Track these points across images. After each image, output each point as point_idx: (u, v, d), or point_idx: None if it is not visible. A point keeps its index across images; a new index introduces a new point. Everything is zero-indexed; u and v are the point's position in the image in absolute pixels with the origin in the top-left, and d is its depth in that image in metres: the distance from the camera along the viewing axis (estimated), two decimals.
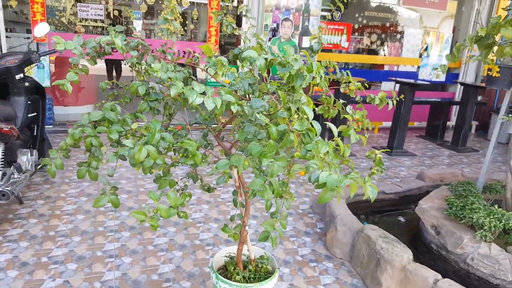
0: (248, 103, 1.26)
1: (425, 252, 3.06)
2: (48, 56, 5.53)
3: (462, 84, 6.93)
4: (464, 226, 2.82)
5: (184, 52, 6.13)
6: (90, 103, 7.40)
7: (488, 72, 2.89)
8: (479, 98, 7.48)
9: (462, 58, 7.90)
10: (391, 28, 8.95)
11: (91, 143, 1.66)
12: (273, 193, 1.50)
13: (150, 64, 1.73)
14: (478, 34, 2.61)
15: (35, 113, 3.98)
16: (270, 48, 5.37)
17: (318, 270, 2.91)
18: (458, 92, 8.20)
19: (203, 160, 1.57)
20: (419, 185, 4.13)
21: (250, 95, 1.46)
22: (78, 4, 6.43)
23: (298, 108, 1.28)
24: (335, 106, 1.89)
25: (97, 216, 3.50)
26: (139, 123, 1.74)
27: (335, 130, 1.40)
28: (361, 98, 1.99)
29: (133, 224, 3.38)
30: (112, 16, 6.81)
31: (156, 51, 1.71)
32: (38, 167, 4.04)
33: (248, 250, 2.25)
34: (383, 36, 8.90)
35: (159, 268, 2.80)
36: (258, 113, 1.24)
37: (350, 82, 1.86)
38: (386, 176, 5.02)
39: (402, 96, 2.05)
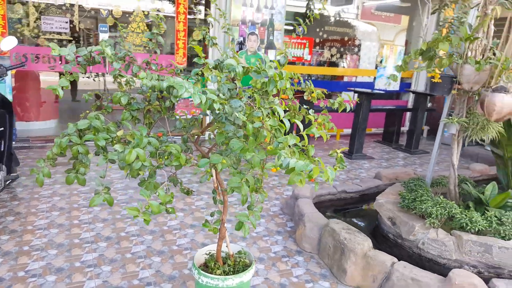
0: (228, 103, 1.49)
1: (384, 241, 3.39)
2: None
3: (413, 92, 7.54)
4: (415, 216, 3.18)
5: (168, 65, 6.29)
6: (52, 118, 7.33)
7: (431, 80, 3.30)
8: (429, 105, 8.15)
9: (412, 69, 8.57)
10: (350, 42, 9.53)
11: (78, 151, 1.83)
12: (248, 188, 1.74)
13: (135, 74, 1.92)
14: (421, 48, 3.02)
15: (2, 128, 3.95)
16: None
17: (290, 264, 3.15)
18: (410, 100, 8.85)
19: (187, 161, 1.78)
20: (376, 184, 4.51)
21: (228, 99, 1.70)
22: (42, 17, 6.42)
23: (271, 109, 1.53)
24: (300, 112, 2.17)
25: (72, 229, 3.56)
26: (124, 130, 1.93)
27: (300, 126, 1.66)
28: (325, 105, 2.28)
29: (109, 235, 3.47)
30: (77, 29, 6.85)
31: (142, 62, 1.91)
32: (6, 183, 4.03)
33: (226, 246, 2.45)
34: (342, 49, 9.46)
35: (139, 274, 2.93)
36: (238, 112, 1.48)
37: (312, 91, 2.15)
38: (347, 177, 5.39)
39: (357, 99, 2.36)
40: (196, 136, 2.19)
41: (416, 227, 3.04)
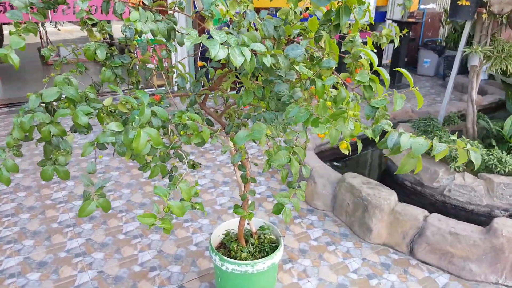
0: (283, 52, 1.02)
1: (399, 189, 3.14)
2: None
3: (394, 21, 7.11)
4: (435, 160, 2.92)
5: None
6: None
7: (457, 2, 2.87)
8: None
9: None
10: None
11: (50, 132, 1.30)
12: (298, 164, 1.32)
13: (120, 14, 1.36)
14: None
15: None
16: None
17: (304, 226, 2.86)
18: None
19: (212, 136, 1.32)
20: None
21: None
22: None
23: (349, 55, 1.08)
24: None
25: (53, 237, 3.05)
26: (114, 97, 1.41)
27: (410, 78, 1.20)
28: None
29: (94, 214, 3.00)
30: None
31: None
32: None
33: (248, 223, 2.08)
34: None
35: (139, 258, 2.53)
36: (298, 64, 1.02)
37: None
38: None
39: (405, 30, 1.92)
40: (203, 96, 1.70)
41: (440, 173, 2.79)
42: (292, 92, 1.14)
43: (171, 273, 2.40)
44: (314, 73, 1.07)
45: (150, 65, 1.65)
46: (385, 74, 1.05)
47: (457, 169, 2.75)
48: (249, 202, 1.85)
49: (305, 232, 2.79)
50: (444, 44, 8.07)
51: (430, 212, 2.48)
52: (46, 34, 8.80)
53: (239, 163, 1.65)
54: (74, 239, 2.71)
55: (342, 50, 1.31)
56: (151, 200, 3.20)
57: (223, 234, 2.14)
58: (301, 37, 1.31)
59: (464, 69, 6.81)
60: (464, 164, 2.82)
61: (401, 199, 2.60)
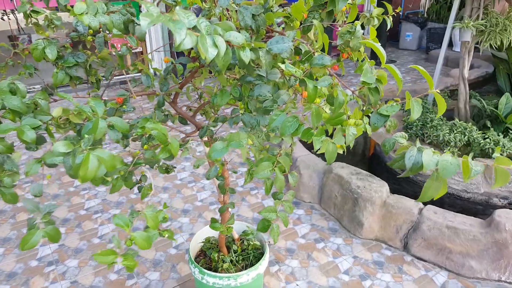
0: (265, 46, 0.78)
1: (389, 177, 2.99)
2: None
3: None
4: (427, 145, 2.76)
5: None
6: None
7: None
8: None
9: None
10: None
11: None
12: (282, 175, 1.11)
13: (65, 6, 1.10)
14: None
15: None
16: None
17: (291, 221, 2.68)
18: (366, 4, 8.15)
19: (183, 147, 1.08)
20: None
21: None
22: None
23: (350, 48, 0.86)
24: None
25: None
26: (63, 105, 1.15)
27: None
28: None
29: (66, 216, 2.75)
30: None
31: None
32: None
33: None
34: None
35: (115, 265, 2.31)
36: (285, 60, 0.79)
37: None
38: None
39: (399, 9, 1.69)
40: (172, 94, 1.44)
41: None
42: (276, 96, 0.91)
43: (150, 281, 2.20)
44: (303, 72, 0.84)
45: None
46: (382, 52, 0.83)
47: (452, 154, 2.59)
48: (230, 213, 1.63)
49: (292, 228, 2.61)
50: (426, 16, 7.87)
51: (424, 203, 2.32)
52: (17, 23, 8.07)
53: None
54: (46, 245, 2.47)
55: (334, 43, 1.09)
56: (127, 199, 2.96)
57: (202, 242, 1.93)
58: (283, 26, 1.07)
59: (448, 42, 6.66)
60: (458, 148, 2.67)
61: (392, 187, 2.44)
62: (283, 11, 1.03)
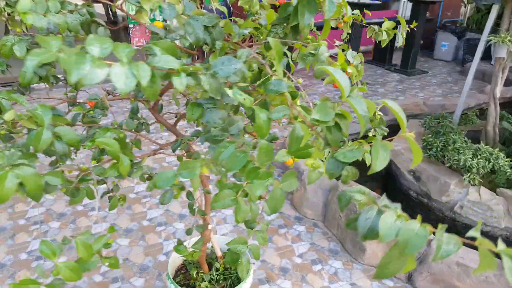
0: (209, 69, 0.64)
1: (402, 199, 2.78)
2: None
3: (410, 0, 6.50)
4: (447, 169, 2.53)
5: None
6: None
7: None
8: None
9: None
10: None
11: None
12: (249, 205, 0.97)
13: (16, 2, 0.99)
14: None
15: None
16: None
17: (290, 238, 2.52)
18: (401, 9, 7.81)
19: (135, 168, 0.95)
20: None
21: (207, 50, 0.83)
22: None
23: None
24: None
25: None
26: (24, 108, 1.05)
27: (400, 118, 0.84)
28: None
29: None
30: None
31: None
32: None
33: (212, 246, 1.75)
34: None
35: (102, 267, 2.24)
36: (232, 87, 0.64)
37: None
38: None
39: (414, 24, 1.50)
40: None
41: (451, 185, 2.40)
42: (228, 123, 0.76)
43: (134, 287, 2.10)
44: (257, 100, 0.69)
45: None
46: (342, 82, 0.64)
47: (472, 182, 2.35)
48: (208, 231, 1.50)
49: (290, 245, 2.45)
50: (466, 26, 7.44)
51: (435, 232, 2.11)
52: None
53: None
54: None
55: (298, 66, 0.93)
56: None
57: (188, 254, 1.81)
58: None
59: (485, 54, 6.27)
60: (481, 175, 2.43)
61: (404, 210, 2.23)
62: (253, 21, 0.88)
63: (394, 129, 3.66)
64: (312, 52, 0.75)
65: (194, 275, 1.68)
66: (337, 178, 2.20)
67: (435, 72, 6.48)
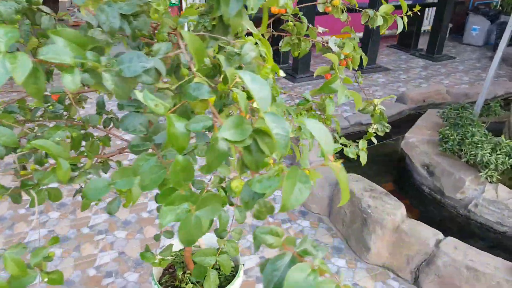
0: (115, 65, 0.54)
1: (415, 195, 2.60)
2: None
3: None
4: (463, 164, 2.34)
5: None
6: None
7: None
8: None
9: None
10: None
11: None
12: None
13: None
14: None
15: None
16: None
17: (292, 233, 2.42)
18: None
19: (79, 171, 0.87)
20: (400, 109, 3.59)
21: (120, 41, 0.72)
22: None
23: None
24: (308, 36, 1.20)
25: None
26: None
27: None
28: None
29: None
30: None
31: None
32: None
33: (199, 245, 1.67)
34: None
35: (98, 258, 2.22)
36: (144, 89, 0.54)
37: None
38: None
39: (417, 7, 1.34)
40: None
41: (466, 181, 2.22)
42: (151, 131, 0.66)
43: (127, 282, 2.08)
44: (173, 106, 0.58)
45: None
46: (275, 128, 0.50)
47: (489, 178, 2.17)
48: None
49: None
50: (500, 8, 6.95)
51: (447, 230, 1.95)
52: None
53: None
54: None
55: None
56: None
57: (175, 253, 1.75)
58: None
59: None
60: (500, 172, 2.23)
61: (415, 207, 2.10)
62: (197, 9, 0.76)
63: (392, 125, 3.46)
64: (238, 52, 0.62)
65: (180, 276, 1.61)
66: (348, 167, 2.05)
67: (463, 58, 6.11)
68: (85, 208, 1.25)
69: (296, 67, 5.07)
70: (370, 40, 5.24)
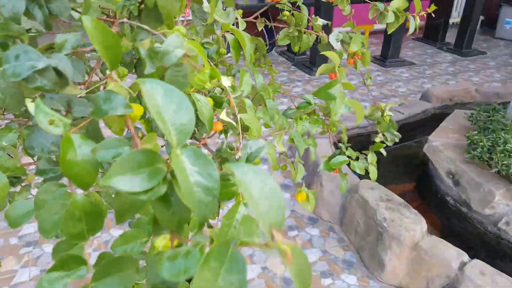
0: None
1: (438, 206, 2.36)
2: None
3: None
4: (494, 174, 2.08)
5: None
6: None
7: None
8: None
9: None
10: None
11: None
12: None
13: None
14: None
15: None
16: None
17: (300, 242, 2.23)
18: None
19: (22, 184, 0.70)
20: (424, 107, 3.31)
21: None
22: None
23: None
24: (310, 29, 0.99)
25: None
26: None
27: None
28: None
29: None
30: None
31: None
32: None
33: None
34: None
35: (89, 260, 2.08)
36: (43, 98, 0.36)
37: None
38: (381, 95, 4.17)
39: (432, 8, 1.11)
40: None
41: (497, 195, 1.97)
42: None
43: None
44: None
45: None
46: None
47: None
48: None
49: None
50: None
51: (473, 250, 1.72)
52: None
53: None
54: None
55: None
56: None
57: None
58: None
59: None
60: None
61: (438, 219, 1.87)
62: None
63: (416, 125, 3.19)
64: (161, 49, 0.42)
65: None
66: (360, 177, 1.84)
67: (494, 53, 5.70)
68: None
69: (313, 60, 4.81)
70: (393, 31, 4.91)
